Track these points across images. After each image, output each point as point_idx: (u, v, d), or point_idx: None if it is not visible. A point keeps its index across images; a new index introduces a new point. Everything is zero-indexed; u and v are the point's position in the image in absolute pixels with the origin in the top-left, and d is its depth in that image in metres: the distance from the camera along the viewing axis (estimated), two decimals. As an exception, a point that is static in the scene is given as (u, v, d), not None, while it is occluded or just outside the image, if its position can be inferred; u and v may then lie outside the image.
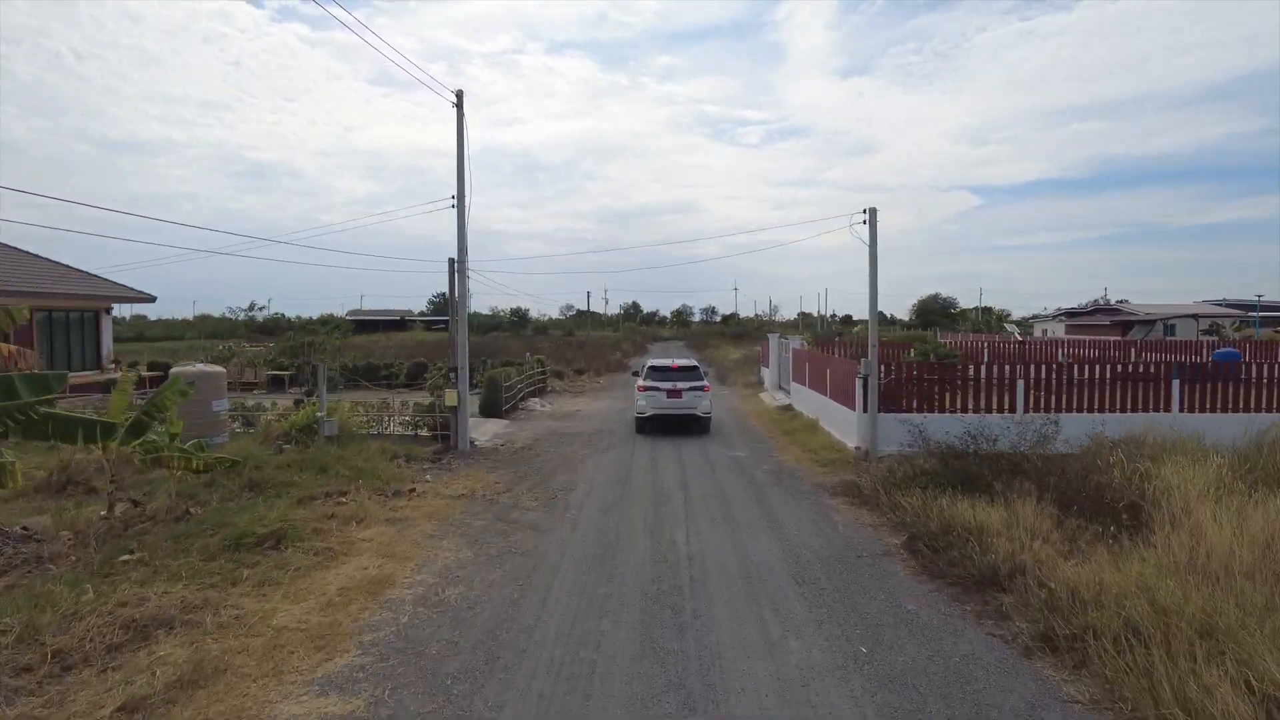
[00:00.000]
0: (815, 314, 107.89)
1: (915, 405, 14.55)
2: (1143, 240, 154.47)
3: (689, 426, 18.28)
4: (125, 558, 8.01)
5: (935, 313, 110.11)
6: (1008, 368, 14.78)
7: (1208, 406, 14.54)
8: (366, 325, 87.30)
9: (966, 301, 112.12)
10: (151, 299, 30.20)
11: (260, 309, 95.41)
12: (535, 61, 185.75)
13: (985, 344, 29.31)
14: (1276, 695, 4.76)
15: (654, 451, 15.37)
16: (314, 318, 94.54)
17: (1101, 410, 14.55)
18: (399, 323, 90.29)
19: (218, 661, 5.76)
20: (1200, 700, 4.74)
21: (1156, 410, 14.46)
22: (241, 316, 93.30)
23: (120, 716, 5.00)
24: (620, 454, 15.13)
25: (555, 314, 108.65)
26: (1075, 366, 14.79)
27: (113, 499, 9.79)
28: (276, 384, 28.09)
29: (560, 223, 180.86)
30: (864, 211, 14.35)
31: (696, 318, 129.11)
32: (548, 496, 11.42)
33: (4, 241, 26.51)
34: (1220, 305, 56.27)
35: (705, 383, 18.52)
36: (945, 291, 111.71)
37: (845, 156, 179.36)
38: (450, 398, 15.79)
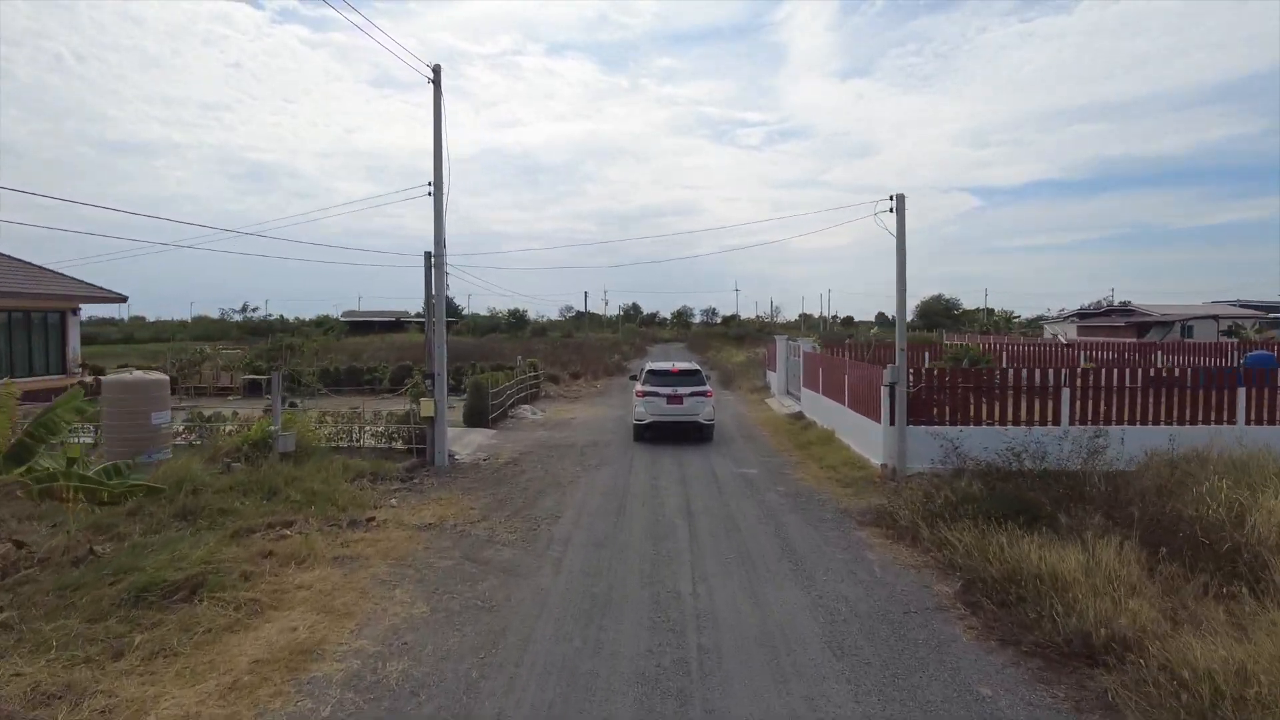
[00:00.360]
0: (816, 315, 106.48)
1: (948, 416, 12.92)
2: (1143, 241, 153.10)
3: (690, 435, 16.99)
4: (-16, 621, 6.37)
5: (939, 314, 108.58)
6: (1050, 373, 13.14)
7: (1279, 418, 12.91)
8: (361, 326, 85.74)
9: (970, 303, 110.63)
10: (122, 299, 28.56)
11: (253, 310, 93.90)
12: (535, 63, 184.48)
13: (1003, 347, 27.66)
14: None
15: (654, 468, 13.74)
16: (309, 319, 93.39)
17: (1157, 422, 12.92)
18: (394, 324, 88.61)
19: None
20: None
21: (1220, 422, 12.84)
22: (236, 318, 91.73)
23: None
24: (616, 471, 13.49)
25: (555, 315, 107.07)
26: (1128, 372, 13.15)
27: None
28: (254, 389, 26.46)
29: (560, 224, 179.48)
30: (890, 199, 12.74)
31: (697, 319, 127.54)
32: (529, 527, 9.78)
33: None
34: (1237, 305, 54.62)
35: (707, 387, 17.20)
36: (947, 293, 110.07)
37: (845, 158, 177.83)
38: (426, 407, 14.17)
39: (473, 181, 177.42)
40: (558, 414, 22.22)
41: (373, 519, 10.05)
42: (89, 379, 27.96)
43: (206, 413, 16.11)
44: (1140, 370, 13.41)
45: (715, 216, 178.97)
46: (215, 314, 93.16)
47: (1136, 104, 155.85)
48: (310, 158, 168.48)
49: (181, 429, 15.56)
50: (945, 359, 17.55)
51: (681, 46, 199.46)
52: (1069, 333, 54.75)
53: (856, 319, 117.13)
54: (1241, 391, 12.96)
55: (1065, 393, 12.92)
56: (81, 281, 27.02)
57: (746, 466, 13.87)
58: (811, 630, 6.48)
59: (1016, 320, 71.50)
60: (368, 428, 15.42)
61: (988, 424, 12.87)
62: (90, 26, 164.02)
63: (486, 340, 64.70)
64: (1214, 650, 5.28)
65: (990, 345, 28.20)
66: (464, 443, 16.51)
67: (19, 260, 25.94)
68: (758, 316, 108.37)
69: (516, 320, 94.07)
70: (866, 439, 13.89)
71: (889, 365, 12.90)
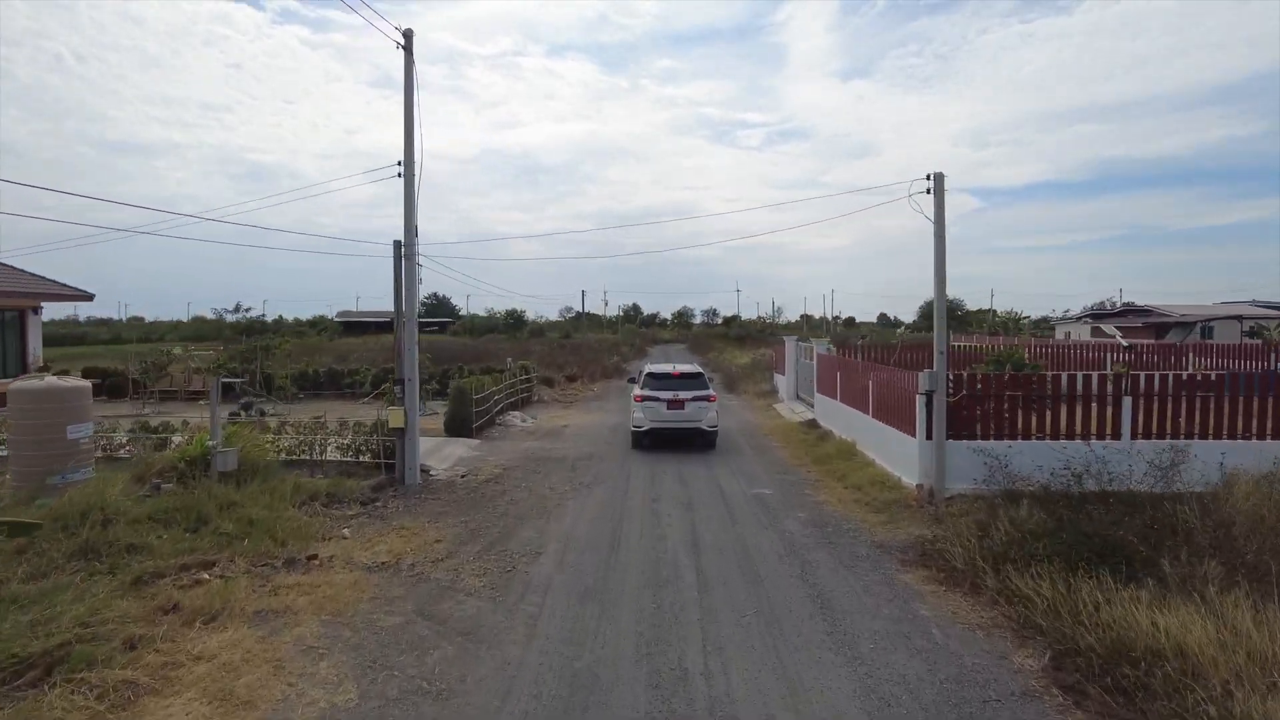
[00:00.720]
0: (818, 316, 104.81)
1: (992, 429, 11.22)
2: (1143, 242, 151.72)
3: (692, 443, 15.64)
4: None
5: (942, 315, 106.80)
6: (1109, 379, 11.43)
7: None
8: (355, 327, 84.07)
9: (973, 303, 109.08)
10: (88, 297, 26.89)
11: (247, 310, 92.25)
12: (536, 64, 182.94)
13: (1023, 349, 25.90)
14: None
15: (654, 486, 12.04)
16: (306, 319, 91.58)
17: (1232, 435, 11.23)
18: (389, 324, 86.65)
19: None
20: None
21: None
22: (231, 318, 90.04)
23: None
24: (610, 490, 11.79)
25: (554, 316, 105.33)
26: (1203, 379, 11.44)
27: None
28: (227, 393, 24.76)
29: (560, 224, 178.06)
30: (927, 178, 11.04)
31: (697, 320, 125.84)
32: (502, 568, 8.07)
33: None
34: (1255, 305, 52.87)
35: (710, 391, 15.85)
36: (949, 294, 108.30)
37: (846, 158, 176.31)
38: (395, 417, 12.47)
39: (473, 182, 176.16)
40: (550, 421, 20.51)
41: (315, 557, 8.34)
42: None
43: (153, 422, 14.40)
44: (1219, 375, 11.70)
45: (715, 217, 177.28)
46: (212, 315, 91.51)
47: (1136, 105, 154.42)
48: (310, 158, 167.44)
49: (126, 440, 13.89)
50: (985, 363, 15.78)
51: (682, 47, 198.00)
52: (1083, 334, 53.03)
53: (858, 320, 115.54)
54: (1330, 401, 11.25)
55: (1126, 401, 11.22)
56: (43, 278, 25.35)
57: (759, 485, 12.17)
58: (867, 735, 4.78)
59: (1024, 320, 69.68)
60: (332, 439, 13.72)
61: (1037, 438, 11.17)
62: (90, 26, 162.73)
63: (483, 341, 63.01)
64: None
65: (1008, 348, 26.48)
66: (442, 455, 14.81)
67: (-23, 257, 24.27)
68: (759, 317, 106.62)
69: (514, 321, 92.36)
70: (897, 454, 12.18)
71: (925, 370, 11.20)
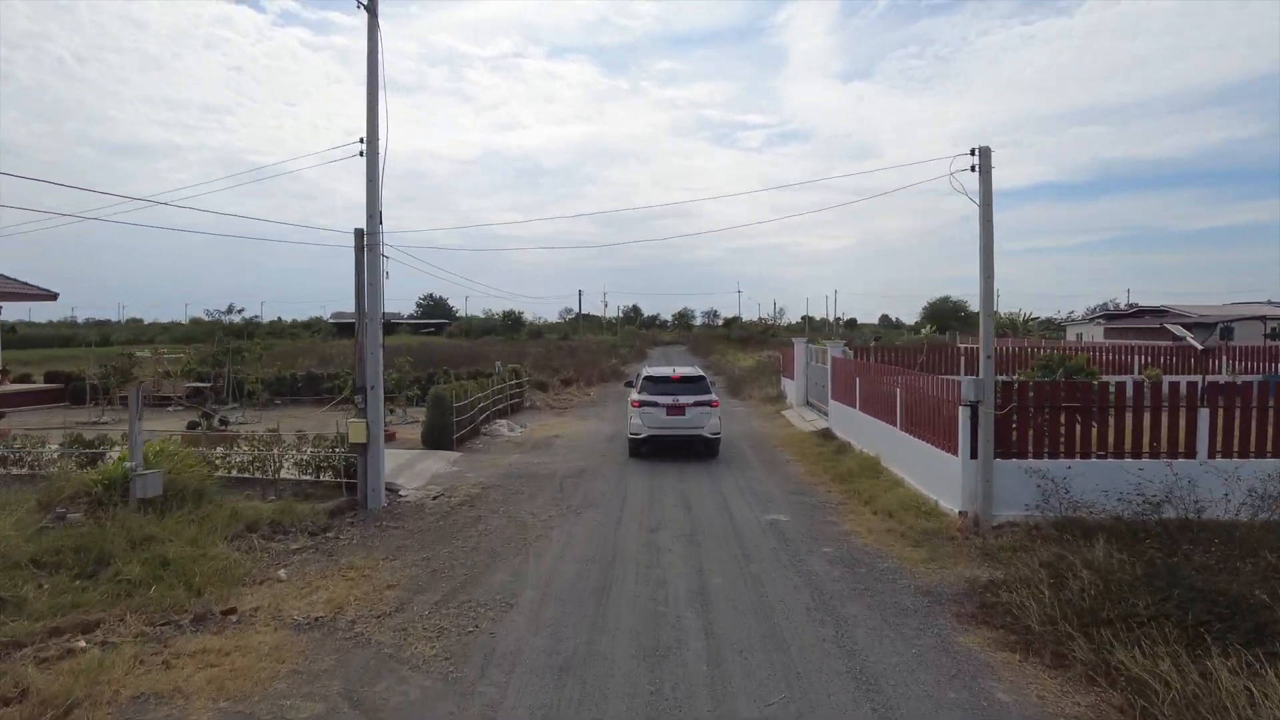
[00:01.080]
0: (819, 317, 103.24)
1: (1046, 447, 9.63)
2: (1145, 244, 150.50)
3: (694, 450, 14.84)
4: None
5: (947, 315, 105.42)
6: (1184, 386, 9.82)
7: None
8: (349, 328, 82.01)
9: (975, 305, 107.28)
10: (51, 296, 25.28)
11: (239, 311, 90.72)
12: (536, 66, 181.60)
13: (1032, 351, 24.27)
14: None
15: (652, 511, 10.45)
16: (302, 321, 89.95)
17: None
18: (385, 326, 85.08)
19: None
20: None
21: None
22: (223, 320, 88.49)
23: None
24: (602, 516, 10.19)
25: (554, 318, 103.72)
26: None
27: None
28: (198, 398, 23.18)
29: (561, 226, 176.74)
30: (971, 153, 9.46)
31: (698, 321, 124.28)
32: (462, 627, 6.47)
33: None
34: (1275, 305, 51.15)
35: (713, 396, 14.96)
36: (947, 295, 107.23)
37: (846, 160, 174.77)
38: (355, 431, 10.87)
39: (473, 183, 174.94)
40: (540, 430, 18.90)
41: (233, 610, 6.75)
42: (9, 386, 24.72)
43: (89, 435, 12.79)
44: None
45: (715, 219, 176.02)
46: (207, 317, 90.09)
47: (1137, 106, 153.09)
48: (311, 160, 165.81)
49: (57, 455, 12.30)
50: (1032, 369, 14.03)
51: (682, 49, 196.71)
52: (1095, 335, 51.35)
53: (859, 321, 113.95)
54: None
55: (1203, 414, 9.61)
56: (5, 277, 23.80)
57: (774, 509, 10.57)
58: None
59: (1033, 321, 68.01)
60: (290, 454, 12.12)
61: (1099, 455, 9.57)
62: (91, 29, 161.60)
63: (480, 343, 61.43)
64: None
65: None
66: (415, 472, 13.22)
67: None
68: (761, 318, 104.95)
69: (512, 322, 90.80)
70: (932, 474, 10.59)
71: (968, 377, 9.61)
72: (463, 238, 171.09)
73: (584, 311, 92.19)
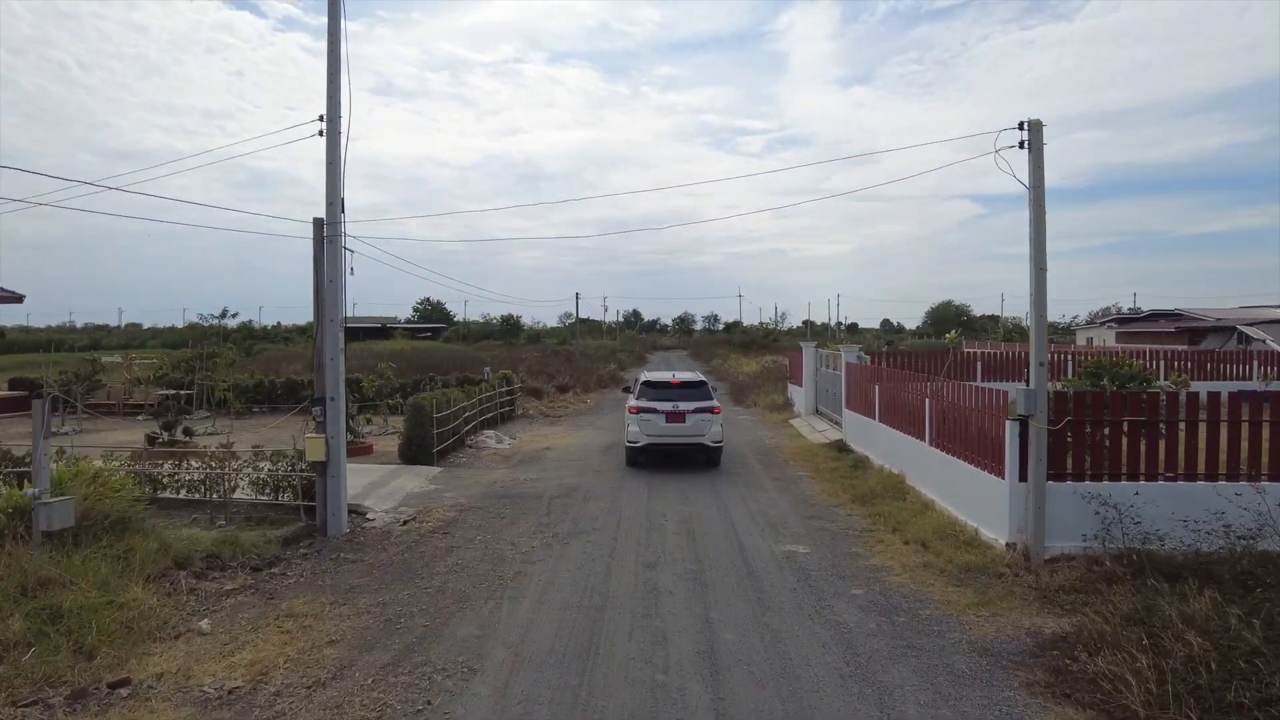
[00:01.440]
0: (820, 322, 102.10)
1: (1106, 468, 8.31)
2: (1145, 248, 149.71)
3: (694, 459, 14.04)
4: None
5: (950, 320, 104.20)
6: (1261, 397, 8.50)
7: None
8: (346, 333, 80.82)
9: (978, 309, 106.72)
10: (18, 298, 23.97)
11: (233, 315, 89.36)
12: (537, 71, 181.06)
13: (1069, 357, 22.96)
14: None
15: (651, 542, 9.12)
16: (301, 325, 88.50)
17: None
18: (381, 330, 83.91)
19: None
20: None
21: None
22: (218, 324, 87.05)
23: None
24: (593, 549, 8.87)
25: (554, 322, 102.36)
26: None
27: None
28: (169, 406, 21.85)
29: (562, 231, 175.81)
30: (1020, 127, 8.16)
31: (699, 326, 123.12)
32: (410, 705, 5.14)
33: None
34: (1290, 310, 49.77)
35: (714, 402, 14.16)
36: (945, 300, 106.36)
37: (846, 166, 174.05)
38: (313, 448, 9.57)
39: (474, 189, 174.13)
40: (530, 441, 17.58)
41: (125, 682, 5.43)
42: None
43: (17, 452, 11.46)
44: None
45: (716, 223, 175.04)
46: (209, 321, 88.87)
47: (1137, 111, 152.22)
48: (312, 166, 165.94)
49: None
50: (1079, 377, 12.63)
51: (683, 55, 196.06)
52: (1107, 339, 50.05)
53: (861, 325, 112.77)
54: None
55: (1286, 429, 8.29)
56: (-36, 279, 22.50)
57: (791, 537, 9.24)
58: None
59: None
60: (246, 472, 10.82)
61: (1165, 478, 8.25)
62: (94, 35, 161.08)
63: (477, 348, 60.14)
64: None
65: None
66: (387, 491, 11.90)
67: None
68: (762, 323, 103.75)
69: (510, 327, 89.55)
70: (970, 496, 9.27)
71: (1017, 387, 8.29)
72: (464, 243, 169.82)
73: (584, 316, 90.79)
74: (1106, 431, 8.32)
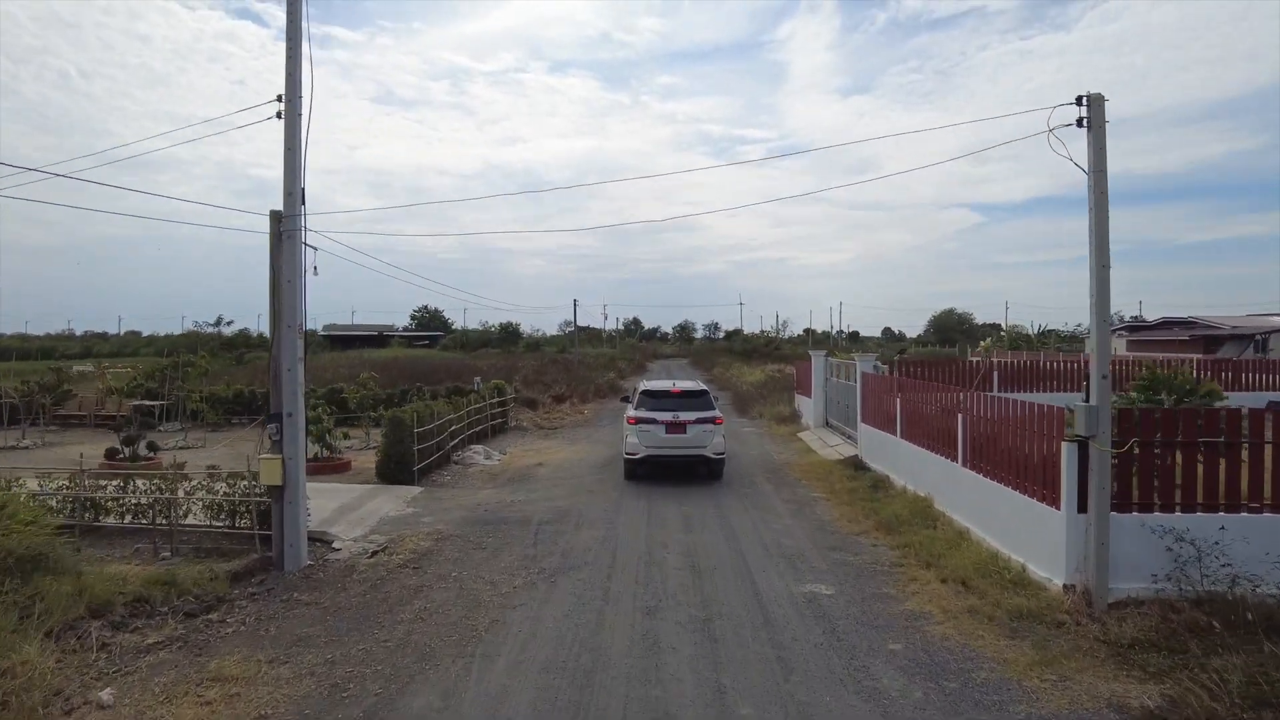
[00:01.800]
0: (821, 330, 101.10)
1: (1178, 498, 7.18)
2: (1144, 257, 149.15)
3: (695, 472, 13.55)
4: None
5: (952, 328, 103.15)
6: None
7: None
8: (342, 341, 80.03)
9: (980, 318, 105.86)
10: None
11: (228, 323, 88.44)
12: (537, 80, 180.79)
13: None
14: None
15: (651, 580, 7.97)
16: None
17: None
18: (377, 338, 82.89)
19: None
20: None
21: None
22: (213, 331, 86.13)
23: None
24: (584, 589, 7.72)
25: (553, 330, 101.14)
26: None
27: None
28: (145, 418, 20.72)
29: (562, 240, 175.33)
30: (1077, 103, 7.06)
31: (699, 334, 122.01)
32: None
33: None
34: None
35: (716, 412, 13.59)
36: (952, 308, 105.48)
37: (845, 174, 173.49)
38: (268, 471, 8.43)
39: (476, 197, 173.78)
40: (522, 456, 16.44)
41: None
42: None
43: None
44: None
45: (716, 232, 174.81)
46: (207, 329, 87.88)
47: (1136, 120, 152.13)
48: (313, 174, 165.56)
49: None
50: (1131, 393, 11.36)
51: (683, 64, 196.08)
52: (1119, 347, 48.89)
53: (863, 334, 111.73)
54: None
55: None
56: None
57: (811, 574, 8.09)
58: None
59: (1049, 333, 65.51)
60: (199, 494, 9.69)
61: (1250, 509, 7.11)
62: (96, 45, 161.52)
63: (475, 356, 58.99)
64: None
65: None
66: (359, 515, 10.76)
67: None
68: (763, 331, 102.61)
69: (509, 335, 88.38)
70: (1015, 527, 8.12)
71: (1076, 402, 7.17)
72: (464, 252, 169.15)
73: (582, 324, 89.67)
74: (1177, 455, 7.18)
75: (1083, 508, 7.00)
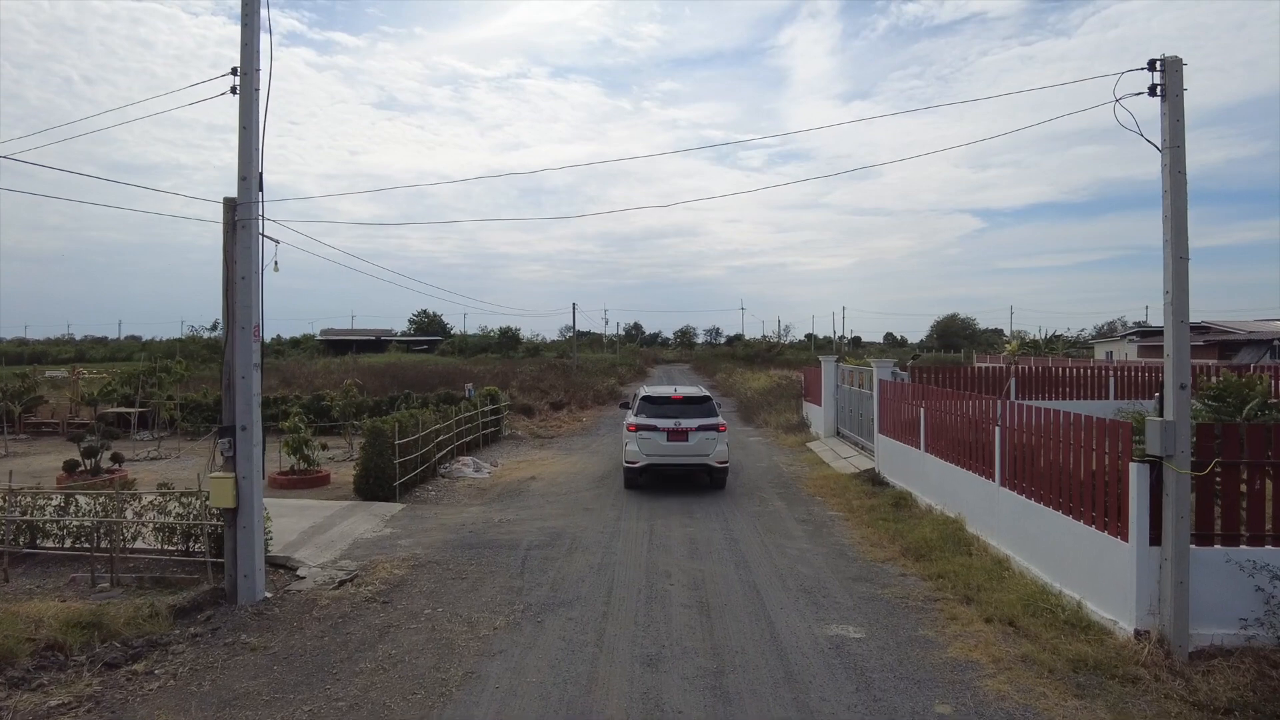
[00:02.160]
0: (823, 335, 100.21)
1: (1269, 528, 6.17)
2: (1145, 262, 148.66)
3: (698, 481, 13.32)
4: None
5: (956, 333, 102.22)
6: None
7: None
8: (338, 345, 79.16)
9: (985, 323, 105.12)
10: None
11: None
12: (539, 86, 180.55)
13: (1112, 373, 20.74)
14: None
15: (653, 618, 6.96)
16: (297, 338, 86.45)
17: None
18: (375, 343, 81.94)
19: None
20: None
21: None
22: (207, 336, 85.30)
23: None
24: (574, 631, 6.71)
25: (554, 335, 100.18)
26: None
27: None
28: (123, 426, 19.72)
29: (563, 245, 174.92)
30: (1150, 67, 6.10)
31: (700, 339, 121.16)
32: None
33: None
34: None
35: (719, 419, 13.06)
36: (956, 312, 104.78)
37: (846, 180, 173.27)
38: (219, 492, 7.44)
39: (477, 203, 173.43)
40: (514, 469, 15.43)
41: None
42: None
43: None
44: None
45: (717, 237, 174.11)
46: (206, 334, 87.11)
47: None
48: (315, 179, 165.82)
49: None
50: (1199, 399, 10.22)
51: (684, 70, 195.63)
52: (1129, 352, 47.90)
53: (864, 339, 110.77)
54: None
55: None
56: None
57: (835, 611, 7.07)
58: None
59: (1057, 339, 64.45)
60: (150, 516, 8.68)
61: (1347, 540, 6.10)
62: (100, 51, 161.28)
63: (473, 361, 57.95)
64: None
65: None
66: (331, 537, 9.76)
67: None
68: (764, 336, 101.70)
69: (508, 339, 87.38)
70: (1067, 557, 7.11)
71: (1151, 416, 6.17)
72: (467, 257, 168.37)
73: (584, 329, 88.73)
74: (1270, 479, 6.18)
75: (1155, 539, 6.01)
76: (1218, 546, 6.10)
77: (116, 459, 13.68)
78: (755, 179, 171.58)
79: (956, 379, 17.23)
